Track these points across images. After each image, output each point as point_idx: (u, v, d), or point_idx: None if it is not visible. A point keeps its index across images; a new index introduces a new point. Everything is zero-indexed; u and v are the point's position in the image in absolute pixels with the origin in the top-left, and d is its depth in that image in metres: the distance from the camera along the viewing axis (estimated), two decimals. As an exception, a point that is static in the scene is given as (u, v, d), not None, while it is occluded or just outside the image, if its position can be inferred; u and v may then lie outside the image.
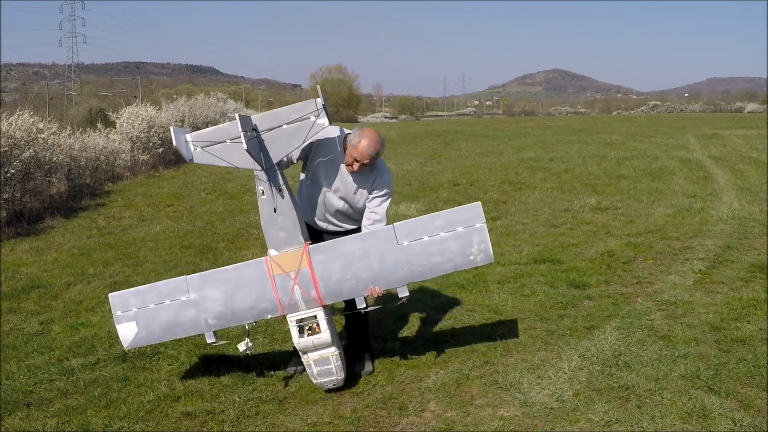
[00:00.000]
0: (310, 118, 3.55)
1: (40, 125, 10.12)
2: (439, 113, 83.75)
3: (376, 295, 3.67)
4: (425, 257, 3.63)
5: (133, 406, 3.67)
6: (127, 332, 3.79)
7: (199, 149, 3.60)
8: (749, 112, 54.13)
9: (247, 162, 3.55)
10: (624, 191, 10.65)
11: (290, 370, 4.06)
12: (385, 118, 57.57)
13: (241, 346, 3.77)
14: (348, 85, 60.02)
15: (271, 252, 3.68)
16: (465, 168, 14.23)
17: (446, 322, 4.79)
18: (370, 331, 4.26)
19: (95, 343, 4.63)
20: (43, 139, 10.00)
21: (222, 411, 3.60)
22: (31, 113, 10.13)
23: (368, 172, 3.83)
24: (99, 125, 14.80)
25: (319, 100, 3.52)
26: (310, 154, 3.86)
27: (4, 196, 9.05)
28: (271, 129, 3.59)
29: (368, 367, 4.05)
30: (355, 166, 3.72)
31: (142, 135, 15.57)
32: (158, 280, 5.95)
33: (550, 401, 3.57)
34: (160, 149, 15.96)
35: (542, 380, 3.82)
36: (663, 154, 16.38)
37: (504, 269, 6.18)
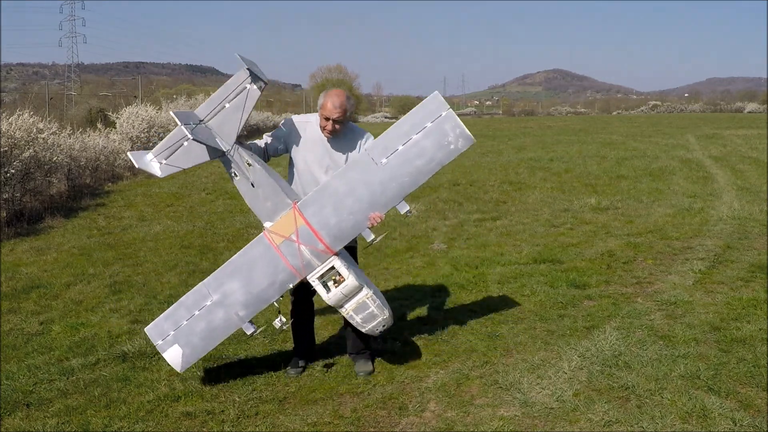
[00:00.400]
0: (245, 87, 3.67)
1: (40, 125, 10.12)
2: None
3: (379, 222, 3.65)
4: (407, 165, 3.62)
5: (133, 406, 3.67)
6: (174, 356, 3.75)
7: (163, 162, 3.70)
8: (749, 112, 54.16)
9: (208, 153, 3.67)
10: (624, 191, 10.65)
11: (291, 371, 4.06)
12: (385, 118, 57.52)
13: (276, 323, 3.77)
14: (348, 85, 59.99)
15: (266, 224, 3.71)
16: (465, 168, 14.23)
17: (446, 322, 4.79)
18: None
19: (95, 343, 4.63)
20: (43, 139, 10.00)
21: (222, 411, 3.60)
22: (31, 113, 10.13)
23: (350, 136, 3.88)
24: (99, 125, 14.81)
25: (245, 70, 3.62)
26: (290, 145, 3.94)
27: (4, 196, 9.05)
28: (215, 113, 3.71)
29: (368, 367, 4.05)
30: (330, 126, 3.77)
31: (142, 135, 15.58)
32: (158, 281, 5.98)
33: (550, 401, 3.57)
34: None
35: (542, 380, 3.82)
36: (663, 154, 16.38)
37: (504, 269, 6.18)
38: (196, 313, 3.75)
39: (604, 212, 8.93)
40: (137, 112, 15.96)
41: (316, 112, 3.87)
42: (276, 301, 3.76)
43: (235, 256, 3.79)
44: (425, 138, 3.61)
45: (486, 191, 11.05)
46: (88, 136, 13.36)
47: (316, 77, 63.73)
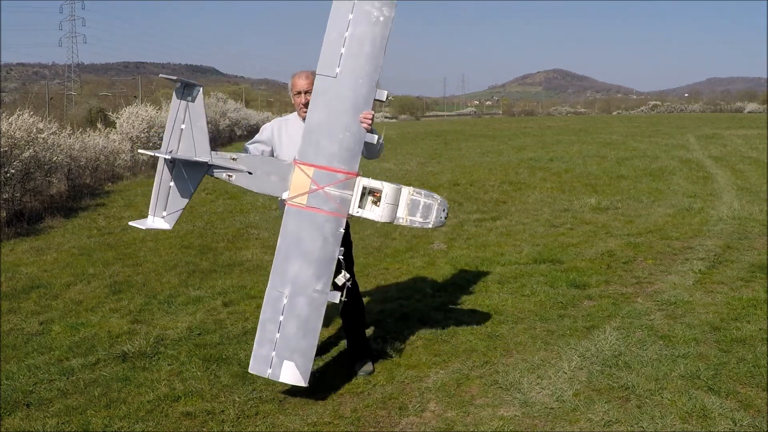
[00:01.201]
0: (186, 101, 3.71)
1: (40, 125, 10.12)
2: (439, 113, 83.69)
3: (371, 119, 3.63)
4: (360, 58, 3.62)
5: (133, 406, 3.66)
6: (291, 375, 3.60)
7: (164, 215, 3.72)
8: (749, 112, 54.15)
9: (196, 175, 3.69)
10: (624, 191, 10.65)
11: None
12: (385, 118, 57.50)
13: (340, 279, 3.71)
14: (348, 85, 59.81)
15: (284, 195, 3.68)
16: (465, 168, 14.23)
17: (446, 322, 4.78)
18: (365, 329, 4.25)
19: (95, 343, 4.63)
20: (43, 139, 10.00)
21: (222, 411, 3.60)
22: (31, 113, 10.13)
23: None
24: (99, 125, 14.81)
25: (177, 86, 3.69)
26: (274, 146, 3.99)
27: (4, 196, 9.05)
28: (178, 140, 3.73)
29: (368, 367, 4.05)
30: (303, 99, 3.87)
31: (142, 135, 15.58)
32: (158, 281, 5.98)
33: (550, 401, 3.57)
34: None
35: (542, 380, 3.82)
36: (663, 154, 16.38)
37: (504, 269, 6.18)
38: (281, 318, 3.61)
39: (604, 212, 8.93)
40: (137, 112, 15.95)
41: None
42: (339, 255, 3.63)
43: (278, 241, 3.68)
44: (355, 27, 3.63)
45: (486, 191, 11.04)
46: (88, 136, 13.36)
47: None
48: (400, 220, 3.65)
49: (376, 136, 3.69)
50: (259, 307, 5.27)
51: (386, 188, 3.63)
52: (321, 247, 3.61)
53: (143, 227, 3.72)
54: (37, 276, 6.48)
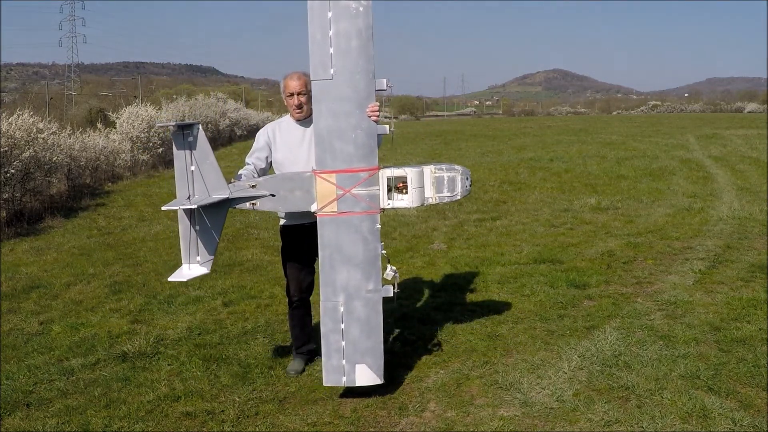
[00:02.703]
0: (189, 142, 3.63)
1: (40, 125, 10.13)
2: (439, 113, 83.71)
3: (378, 111, 3.64)
4: (350, 53, 3.57)
5: (133, 406, 3.66)
6: (366, 376, 3.63)
7: (201, 262, 3.66)
8: (749, 112, 54.15)
9: (220, 212, 3.65)
10: (624, 191, 10.65)
11: (291, 371, 4.06)
12: (385, 118, 57.43)
13: (388, 274, 3.70)
14: (348, 85, 59.86)
15: (313, 208, 3.66)
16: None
17: (446, 322, 4.78)
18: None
19: (95, 343, 4.63)
20: (43, 139, 10.00)
21: (222, 411, 3.60)
22: (31, 113, 10.14)
23: None
24: (99, 125, 14.81)
25: (177, 130, 3.64)
26: (273, 149, 4.00)
27: (4, 196, 9.05)
28: (191, 183, 3.65)
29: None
30: (296, 100, 3.88)
31: (142, 135, 15.58)
32: (158, 281, 5.98)
33: (550, 401, 3.57)
34: (160, 149, 15.97)
35: (542, 380, 3.82)
36: (663, 154, 16.38)
37: (504, 269, 6.18)
38: (342, 326, 3.62)
39: (604, 212, 8.93)
40: (137, 112, 15.95)
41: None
42: (382, 250, 3.64)
43: (320, 253, 3.66)
44: (338, 24, 3.56)
45: (486, 191, 11.04)
46: (88, 136, 13.36)
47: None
48: (430, 200, 3.70)
49: (387, 126, 3.68)
50: (259, 307, 5.31)
51: (409, 174, 3.65)
52: (363, 248, 3.62)
53: (184, 279, 3.66)
54: (37, 276, 6.48)
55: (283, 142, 3.96)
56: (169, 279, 3.73)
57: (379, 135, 3.68)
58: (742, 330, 4.46)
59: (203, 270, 3.68)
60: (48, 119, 11.33)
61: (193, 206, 3.48)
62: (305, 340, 4.20)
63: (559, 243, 7.18)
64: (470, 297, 5.40)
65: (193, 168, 3.64)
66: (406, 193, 3.64)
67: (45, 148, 10.04)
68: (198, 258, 3.67)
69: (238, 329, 4.83)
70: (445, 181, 3.71)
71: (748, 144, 18.93)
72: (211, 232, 3.67)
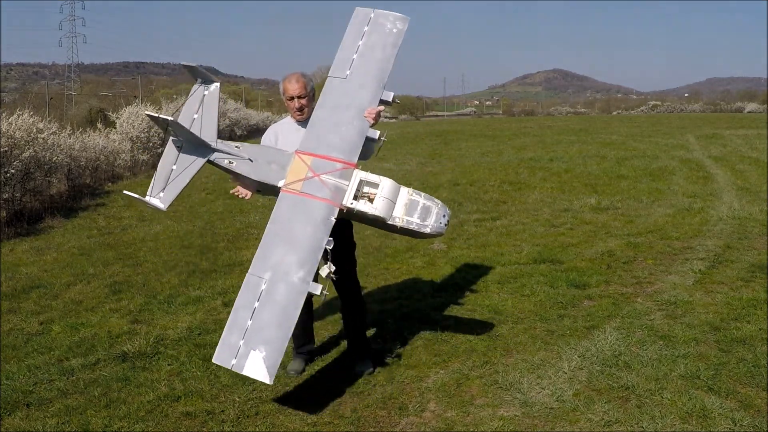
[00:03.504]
0: (203, 94, 3.81)
1: (40, 125, 10.12)
2: (439, 113, 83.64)
3: (376, 114, 3.69)
4: (370, 62, 3.79)
5: (133, 406, 3.66)
6: (255, 367, 3.24)
7: (162, 196, 3.71)
8: (749, 112, 54.13)
9: (199, 155, 3.68)
10: (624, 191, 10.65)
11: (291, 371, 4.06)
12: (385, 118, 57.51)
13: (324, 270, 3.49)
14: (348, 85, 59.83)
15: (280, 183, 3.63)
16: (465, 168, 14.23)
17: (446, 322, 4.78)
18: (366, 330, 4.26)
19: (95, 343, 4.63)
20: (43, 139, 10.00)
21: (222, 411, 3.60)
22: (31, 113, 10.13)
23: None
24: (99, 125, 14.81)
25: (198, 82, 3.81)
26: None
27: (4, 196, 9.05)
28: (189, 126, 3.72)
29: (368, 367, 4.05)
30: (296, 104, 3.86)
31: (142, 135, 15.58)
32: (158, 281, 5.97)
33: (550, 401, 3.57)
34: (160, 149, 15.92)
35: (542, 380, 3.82)
36: (663, 154, 16.38)
37: (504, 269, 6.18)
38: (257, 304, 3.33)
39: (604, 212, 8.93)
40: (137, 112, 15.95)
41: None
42: (328, 245, 3.44)
43: (267, 226, 3.54)
44: (369, 37, 3.83)
45: (486, 191, 11.04)
46: (88, 136, 13.35)
47: (315, 77, 63.64)
48: (396, 220, 3.52)
49: (378, 132, 3.69)
50: (259, 307, 5.30)
51: (384, 182, 3.55)
52: (310, 234, 3.47)
53: (136, 196, 3.72)
54: (37, 276, 6.48)
55: (285, 143, 3.95)
56: (125, 192, 3.85)
57: (371, 142, 3.71)
58: (742, 330, 4.46)
59: (160, 205, 3.70)
60: (48, 119, 11.33)
61: (169, 118, 3.50)
62: (305, 340, 4.20)
63: (559, 243, 7.18)
64: (470, 297, 5.40)
65: (196, 116, 3.79)
66: (377, 202, 3.52)
67: (45, 148, 10.03)
68: (161, 194, 3.72)
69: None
70: (419, 208, 3.53)
71: (748, 144, 18.92)
72: (184, 174, 3.70)
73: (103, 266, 6.75)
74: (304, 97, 3.87)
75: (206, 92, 3.82)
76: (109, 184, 13.22)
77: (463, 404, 3.59)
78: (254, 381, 3.92)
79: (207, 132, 3.74)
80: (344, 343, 4.37)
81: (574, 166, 13.94)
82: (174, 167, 3.71)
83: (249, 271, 3.44)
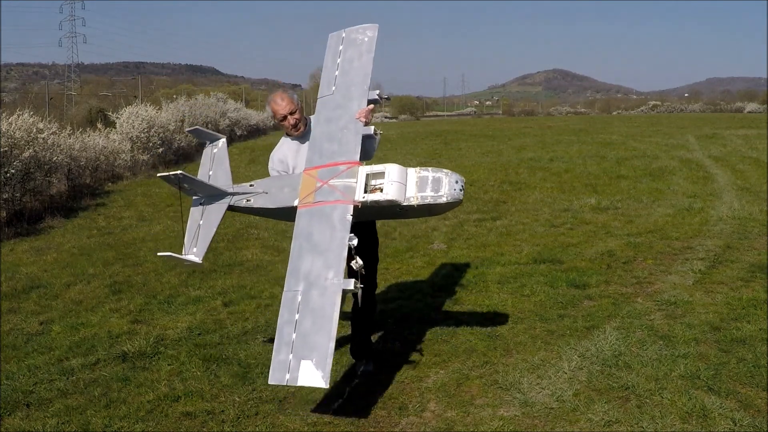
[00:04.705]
0: (213, 152, 4.22)
1: (40, 125, 10.13)
2: (439, 113, 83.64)
3: (367, 114, 3.77)
4: (351, 71, 3.99)
5: (133, 406, 3.67)
6: (310, 375, 3.19)
7: (196, 251, 3.87)
8: (749, 112, 54.11)
9: (219, 207, 3.93)
10: (624, 191, 10.65)
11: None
12: (385, 118, 57.49)
13: (354, 265, 3.48)
14: (348, 85, 59.80)
15: (296, 202, 3.70)
16: (465, 168, 14.22)
17: (446, 322, 4.79)
18: (371, 330, 4.25)
19: (95, 343, 4.63)
20: (43, 139, 10.01)
21: (222, 411, 3.60)
22: (31, 113, 10.14)
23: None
24: (99, 125, 14.81)
25: (207, 145, 4.25)
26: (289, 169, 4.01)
27: (4, 196, 9.05)
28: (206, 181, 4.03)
29: (368, 367, 4.05)
30: (291, 120, 3.90)
31: (142, 135, 15.59)
32: (158, 281, 5.96)
33: (550, 401, 3.57)
34: (160, 149, 15.97)
35: (542, 380, 3.82)
36: (663, 154, 16.38)
37: (504, 269, 6.18)
38: (297, 316, 3.36)
39: (604, 212, 8.93)
40: (137, 112, 15.96)
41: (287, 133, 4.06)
42: (350, 241, 3.43)
43: (292, 243, 3.59)
44: (345, 53, 4.07)
45: (486, 191, 11.04)
46: (88, 136, 13.36)
47: (316, 77, 63.67)
48: (411, 200, 3.52)
49: (373, 127, 3.78)
50: (259, 306, 5.31)
51: (389, 168, 3.57)
52: (330, 236, 3.51)
53: (173, 254, 3.84)
54: (37, 276, 6.48)
55: (298, 164, 3.94)
56: (159, 254, 3.91)
57: (371, 140, 3.81)
58: (742, 330, 4.46)
59: (197, 259, 3.86)
60: (48, 119, 11.33)
61: (179, 173, 3.79)
62: None
63: (559, 243, 7.18)
64: (470, 297, 5.40)
65: (211, 173, 4.13)
66: (388, 188, 3.53)
67: (45, 148, 10.04)
68: (194, 249, 3.88)
69: (238, 329, 4.83)
70: (429, 181, 3.54)
71: (748, 144, 18.92)
72: (210, 225, 3.92)
73: (103, 266, 6.75)
74: (295, 112, 3.90)
75: (215, 150, 4.20)
76: (109, 184, 13.23)
77: (463, 404, 3.59)
78: (254, 381, 3.94)
79: (222, 182, 4.04)
80: (344, 343, 4.37)
81: (574, 166, 13.94)
82: (201, 222, 3.94)
83: (284, 288, 3.48)
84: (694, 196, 10.09)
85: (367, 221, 4.02)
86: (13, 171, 9.04)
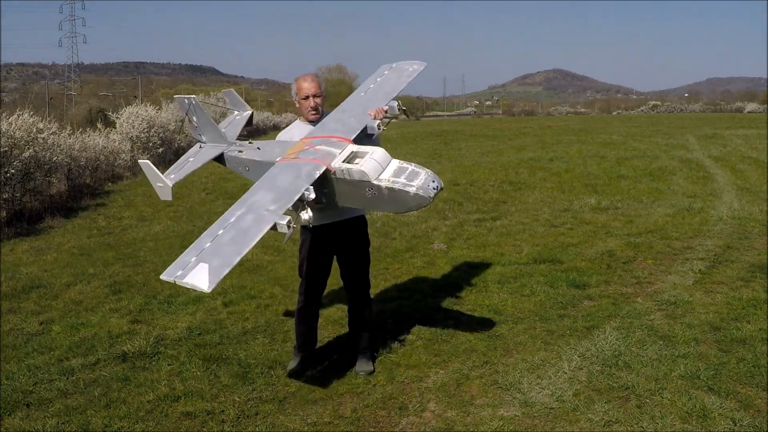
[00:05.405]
0: (236, 117, 4.51)
1: (40, 125, 10.12)
2: (439, 113, 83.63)
3: (377, 111, 3.85)
4: (384, 84, 4.22)
5: (133, 406, 3.67)
6: (198, 276, 3.15)
7: (173, 177, 4.09)
8: (749, 112, 54.10)
9: (213, 150, 4.18)
10: (624, 191, 10.65)
11: (290, 371, 4.06)
12: (385, 118, 57.34)
13: (303, 215, 3.42)
14: (348, 85, 59.93)
15: (278, 159, 3.72)
16: (465, 168, 14.23)
17: (446, 322, 4.78)
18: (369, 330, 4.25)
19: (95, 343, 4.63)
20: (43, 139, 10.00)
21: (222, 411, 3.60)
22: (31, 113, 10.14)
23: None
24: (99, 125, 14.81)
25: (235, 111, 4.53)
26: None
27: (4, 196, 9.05)
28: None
29: (368, 367, 4.05)
30: (312, 102, 3.95)
31: (142, 135, 15.58)
32: (158, 281, 5.95)
33: (550, 401, 3.57)
34: (160, 149, 15.97)
35: (542, 380, 3.82)
36: (663, 154, 16.38)
37: (504, 269, 6.18)
38: (221, 231, 3.33)
39: (604, 212, 8.93)
40: (137, 112, 15.96)
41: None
42: (307, 192, 3.39)
43: (255, 184, 3.63)
44: (390, 74, 4.34)
45: (486, 191, 11.04)
46: (88, 136, 13.36)
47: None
48: (382, 181, 3.44)
49: (377, 123, 3.83)
50: (259, 307, 5.31)
51: (376, 149, 3.56)
52: (291, 182, 3.47)
53: (149, 167, 4.02)
54: (37, 276, 6.48)
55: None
56: (140, 161, 4.19)
57: (375, 139, 3.88)
58: (742, 330, 4.46)
59: (169, 183, 4.04)
60: (48, 119, 11.33)
61: (192, 96, 4.21)
62: (308, 339, 4.20)
63: (559, 243, 7.18)
64: (470, 297, 5.40)
65: (223, 129, 4.35)
66: (365, 160, 3.51)
67: (45, 148, 10.04)
68: (172, 176, 4.13)
69: (238, 329, 4.83)
70: (407, 172, 3.52)
71: (748, 144, 18.91)
72: (197, 162, 4.21)
73: (103, 266, 6.75)
74: (319, 96, 3.96)
75: (238, 117, 4.48)
76: (109, 184, 13.23)
77: (463, 404, 3.59)
78: (254, 381, 3.93)
79: (229, 134, 4.26)
80: (344, 343, 4.37)
81: (574, 166, 13.94)
82: (191, 159, 4.19)
83: (227, 212, 3.48)
84: (694, 196, 10.09)
85: (359, 222, 4.03)
86: (13, 171, 9.04)
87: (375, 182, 3.43)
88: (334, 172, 3.50)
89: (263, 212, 3.35)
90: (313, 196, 3.39)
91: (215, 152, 4.16)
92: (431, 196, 3.42)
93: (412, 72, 4.32)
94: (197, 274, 3.15)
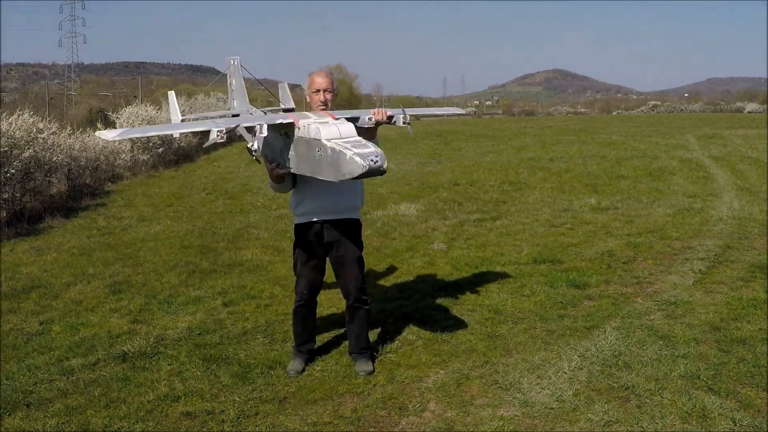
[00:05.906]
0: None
1: (40, 125, 10.12)
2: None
3: (377, 112, 3.89)
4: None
5: (133, 406, 3.67)
6: (111, 133, 3.60)
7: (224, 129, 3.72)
8: (749, 112, 54.09)
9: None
10: (624, 191, 10.65)
11: (291, 371, 4.06)
12: (386, 122, 57.30)
13: (252, 145, 3.69)
14: (348, 85, 59.96)
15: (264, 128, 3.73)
16: (465, 168, 14.23)
17: (446, 322, 4.78)
18: (368, 330, 4.26)
19: (95, 343, 4.63)
20: (43, 139, 10.00)
21: (222, 411, 3.60)
22: (31, 113, 10.14)
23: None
24: (99, 125, 14.81)
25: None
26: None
27: (4, 196, 9.05)
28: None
29: (368, 367, 4.05)
30: (322, 96, 3.95)
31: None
32: (158, 281, 5.98)
33: (550, 401, 3.57)
34: (160, 149, 15.97)
35: (542, 380, 3.82)
36: (663, 154, 16.38)
37: (504, 269, 6.18)
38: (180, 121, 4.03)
39: (604, 212, 8.93)
40: (137, 112, 15.98)
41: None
42: (260, 129, 3.62)
43: None
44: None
45: (486, 191, 11.04)
46: (88, 136, 13.36)
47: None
48: (329, 143, 3.41)
49: (368, 115, 3.89)
50: (259, 307, 5.31)
51: (347, 123, 3.59)
52: (257, 117, 3.76)
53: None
54: (37, 276, 6.48)
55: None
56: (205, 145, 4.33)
57: (364, 126, 3.89)
58: (742, 330, 4.46)
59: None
60: (48, 119, 11.33)
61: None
62: (307, 338, 4.21)
63: (559, 243, 7.18)
64: (470, 297, 5.40)
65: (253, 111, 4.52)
66: (328, 126, 3.56)
67: (45, 148, 10.03)
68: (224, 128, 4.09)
69: (238, 329, 4.83)
70: (360, 143, 3.43)
71: (748, 144, 18.92)
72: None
73: (103, 266, 6.75)
74: (330, 92, 3.98)
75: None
76: (109, 184, 13.22)
77: (463, 404, 3.59)
78: (254, 381, 3.94)
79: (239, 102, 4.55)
80: (344, 343, 4.37)
81: (574, 166, 13.94)
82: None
83: None
84: (694, 196, 10.09)
85: (351, 224, 4.04)
86: (13, 171, 9.03)
87: (324, 141, 3.45)
88: (299, 128, 3.60)
89: (214, 124, 3.62)
90: (265, 131, 3.63)
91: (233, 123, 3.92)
92: (365, 165, 3.30)
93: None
94: (111, 132, 3.64)
